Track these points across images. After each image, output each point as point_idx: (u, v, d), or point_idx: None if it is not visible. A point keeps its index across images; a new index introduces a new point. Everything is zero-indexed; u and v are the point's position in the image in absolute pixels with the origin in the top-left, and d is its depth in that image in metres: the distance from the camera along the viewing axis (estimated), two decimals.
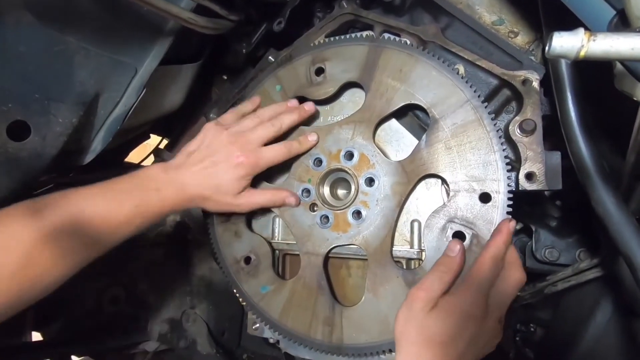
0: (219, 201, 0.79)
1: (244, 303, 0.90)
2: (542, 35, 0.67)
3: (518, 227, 1.01)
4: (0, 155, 0.64)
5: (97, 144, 0.82)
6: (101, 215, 0.66)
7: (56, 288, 0.65)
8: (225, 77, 1.14)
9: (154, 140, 1.47)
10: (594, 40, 0.25)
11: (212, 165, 0.77)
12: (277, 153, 0.81)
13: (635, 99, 0.40)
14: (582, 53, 0.25)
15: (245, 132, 0.80)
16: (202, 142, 0.80)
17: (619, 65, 0.42)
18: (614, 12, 0.37)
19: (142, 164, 1.45)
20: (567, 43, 0.26)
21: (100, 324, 1.26)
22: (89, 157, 0.82)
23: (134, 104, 0.82)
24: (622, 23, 0.32)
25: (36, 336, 1.26)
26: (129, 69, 0.79)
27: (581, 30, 0.26)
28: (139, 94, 0.81)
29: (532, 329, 0.99)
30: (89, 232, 0.64)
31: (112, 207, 0.67)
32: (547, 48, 0.27)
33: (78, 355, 1.30)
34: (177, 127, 1.30)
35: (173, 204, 0.76)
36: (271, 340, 0.90)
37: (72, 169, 0.89)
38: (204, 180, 0.77)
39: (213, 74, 1.16)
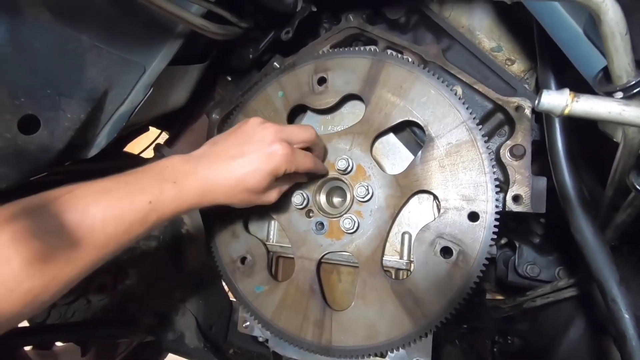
0: (243, 199, 0.71)
1: (236, 300, 0.93)
2: (537, 65, 0.71)
3: (503, 241, 1.06)
4: (9, 147, 0.65)
5: (102, 139, 0.83)
6: (111, 216, 0.58)
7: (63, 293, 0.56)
8: (230, 79, 1.15)
9: (153, 132, 1.48)
10: (577, 101, 0.29)
11: (240, 154, 0.69)
12: (308, 161, 0.76)
13: (615, 140, 0.44)
14: (567, 111, 0.29)
15: (289, 130, 0.74)
16: (236, 130, 0.73)
17: None
18: (604, 63, 0.41)
19: (142, 155, 1.46)
20: (553, 101, 0.29)
21: (87, 311, 1.27)
22: (93, 152, 0.84)
23: (140, 102, 0.83)
24: (605, 79, 0.35)
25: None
26: (138, 68, 0.81)
27: (567, 91, 0.29)
28: (146, 92, 0.83)
29: (509, 341, 1.04)
30: (97, 235, 0.57)
31: (123, 205, 0.60)
32: (536, 103, 0.30)
33: (62, 342, 1.31)
34: (177, 123, 1.31)
35: (193, 200, 0.67)
36: (260, 339, 0.93)
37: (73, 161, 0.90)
38: (228, 173, 0.68)
39: (217, 74, 1.18)
